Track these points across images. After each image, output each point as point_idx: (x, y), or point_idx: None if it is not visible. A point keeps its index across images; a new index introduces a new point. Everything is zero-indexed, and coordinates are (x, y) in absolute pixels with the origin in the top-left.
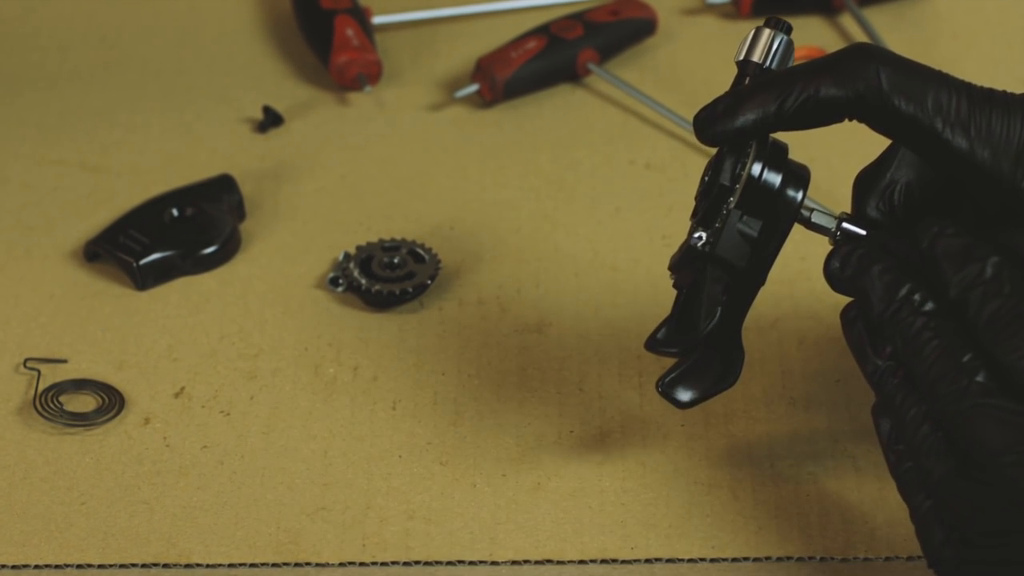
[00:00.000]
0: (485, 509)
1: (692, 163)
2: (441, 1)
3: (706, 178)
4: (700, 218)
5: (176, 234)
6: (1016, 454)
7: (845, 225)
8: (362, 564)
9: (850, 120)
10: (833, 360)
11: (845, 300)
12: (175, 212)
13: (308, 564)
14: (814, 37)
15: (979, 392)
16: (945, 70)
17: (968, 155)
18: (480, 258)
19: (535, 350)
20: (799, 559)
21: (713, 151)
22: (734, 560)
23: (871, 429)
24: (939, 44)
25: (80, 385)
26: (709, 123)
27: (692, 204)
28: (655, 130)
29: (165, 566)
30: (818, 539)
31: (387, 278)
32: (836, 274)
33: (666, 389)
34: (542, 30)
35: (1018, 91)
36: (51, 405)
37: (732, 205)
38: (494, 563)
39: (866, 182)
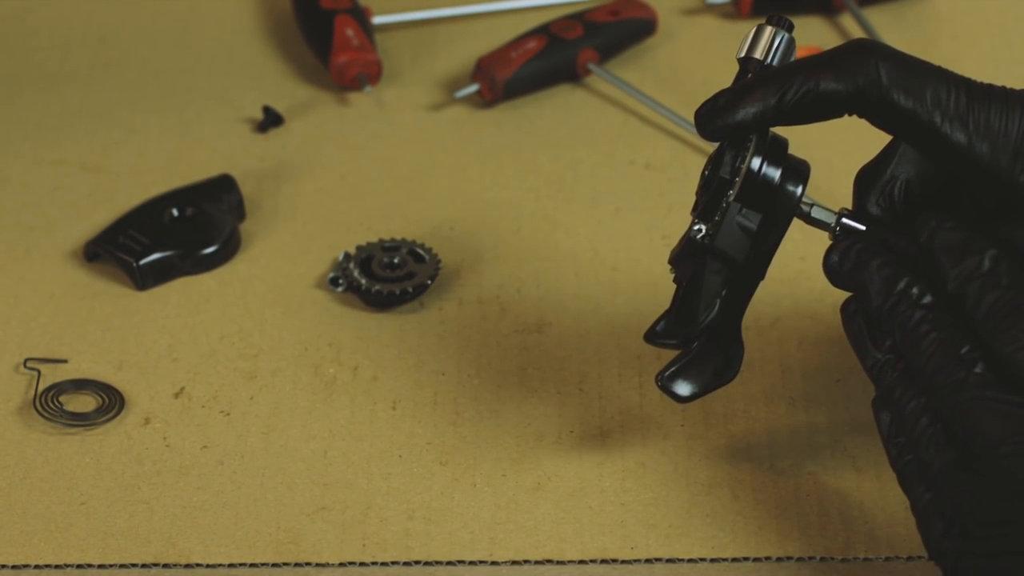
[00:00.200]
0: (485, 509)
1: (692, 163)
2: (441, 1)
3: (706, 172)
4: (700, 211)
5: (176, 234)
6: (1014, 444)
7: (845, 220)
8: (362, 564)
9: (850, 115)
10: (833, 359)
11: (845, 299)
12: (175, 212)
13: (308, 564)
14: (814, 37)
15: (977, 384)
16: None
17: (966, 149)
18: (480, 258)
19: (535, 350)
20: (799, 559)
21: (713, 148)
22: (734, 560)
23: (871, 428)
24: (939, 44)
25: (80, 385)
26: (710, 117)
27: (692, 204)
28: (655, 130)
29: (165, 566)
30: (818, 539)
31: (387, 278)
32: (835, 268)
33: (665, 383)
34: (542, 30)
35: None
36: (51, 405)
37: (732, 198)
38: (494, 563)
39: (867, 178)
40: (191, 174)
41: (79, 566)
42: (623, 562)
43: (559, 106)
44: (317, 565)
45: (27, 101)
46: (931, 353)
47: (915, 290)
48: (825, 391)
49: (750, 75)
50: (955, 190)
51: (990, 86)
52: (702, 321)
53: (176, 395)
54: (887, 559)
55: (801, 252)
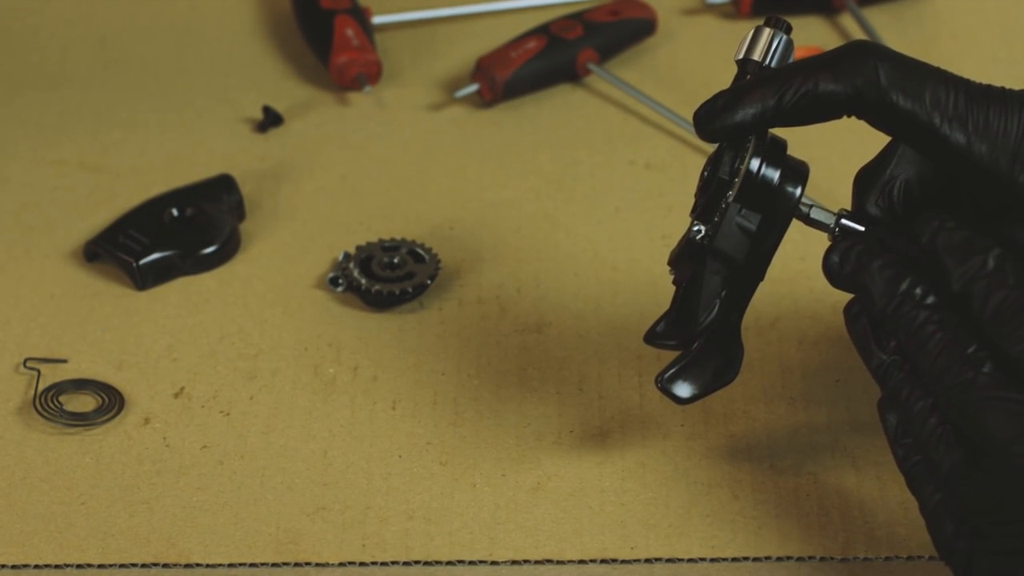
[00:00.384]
0: (485, 509)
1: (692, 163)
2: (441, 1)
3: (705, 173)
4: (699, 212)
5: (176, 234)
6: None
7: (844, 221)
8: (362, 564)
9: (849, 116)
10: (833, 359)
11: (845, 299)
12: (175, 212)
13: (308, 564)
14: (814, 37)
15: (987, 384)
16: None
17: (966, 150)
18: (480, 258)
19: (535, 350)
20: (799, 559)
21: (713, 149)
22: (734, 560)
23: (871, 428)
24: (939, 44)
25: (80, 385)
26: (709, 118)
27: (691, 204)
28: (655, 130)
29: (165, 566)
30: (818, 539)
31: (387, 278)
32: (835, 269)
33: (665, 384)
34: (542, 30)
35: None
36: (51, 405)
37: (731, 199)
38: (494, 563)
39: (866, 179)
40: (191, 174)
41: (79, 566)
42: (623, 562)
43: (559, 106)
44: (317, 565)
45: (27, 101)
46: (938, 353)
47: (918, 290)
48: (825, 391)
49: (749, 76)
50: (955, 190)
51: (989, 87)
52: (702, 322)
53: (176, 395)
54: (887, 559)
55: (801, 252)
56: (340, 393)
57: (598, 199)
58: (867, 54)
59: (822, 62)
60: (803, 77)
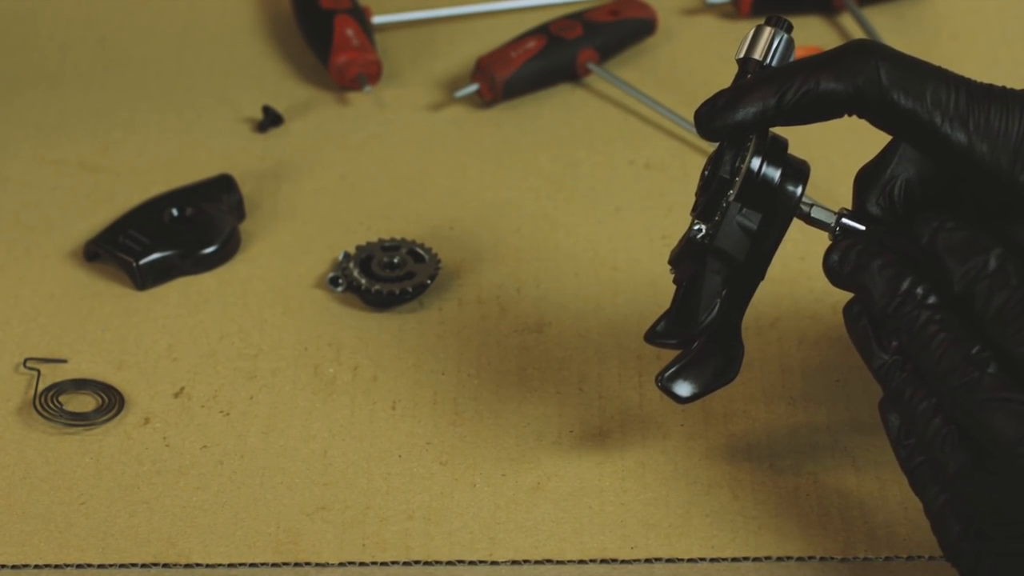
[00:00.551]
0: (485, 509)
1: (692, 163)
2: (441, 1)
3: (706, 172)
4: (700, 211)
5: (176, 234)
6: None
7: (844, 220)
8: (362, 564)
9: (849, 115)
10: (833, 359)
11: (845, 299)
12: (175, 212)
13: (308, 564)
14: (814, 37)
15: (992, 384)
16: None
17: (967, 149)
18: (480, 258)
19: (535, 350)
20: (799, 559)
21: (713, 148)
22: (734, 560)
23: (871, 428)
24: (939, 44)
25: (80, 385)
26: (709, 117)
27: (692, 204)
28: (655, 130)
29: (165, 566)
30: (818, 539)
31: (387, 278)
32: (835, 268)
33: (665, 383)
34: (542, 30)
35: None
36: (51, 405)
37: (732, 198)
38: (494, 563)
39: (866, 178)
40: (191, 174)
41: (79, 566)
42: (623, 562)
43: (559, 106)
44: (317, 565)
45: (27, 101)
46: (942, 354)
47: (919, 290)
48: (825, 391)
49: (749, 75)
50: (956, 190)
51: (990, 86)
52: (702, 321)
53: (176, 395)
54: (887, 559)
55: (801, 252)
56: (340, 393)
57: (598, 199)
58: (868, 53)
59: (823, 61)
60: (804, 76)
